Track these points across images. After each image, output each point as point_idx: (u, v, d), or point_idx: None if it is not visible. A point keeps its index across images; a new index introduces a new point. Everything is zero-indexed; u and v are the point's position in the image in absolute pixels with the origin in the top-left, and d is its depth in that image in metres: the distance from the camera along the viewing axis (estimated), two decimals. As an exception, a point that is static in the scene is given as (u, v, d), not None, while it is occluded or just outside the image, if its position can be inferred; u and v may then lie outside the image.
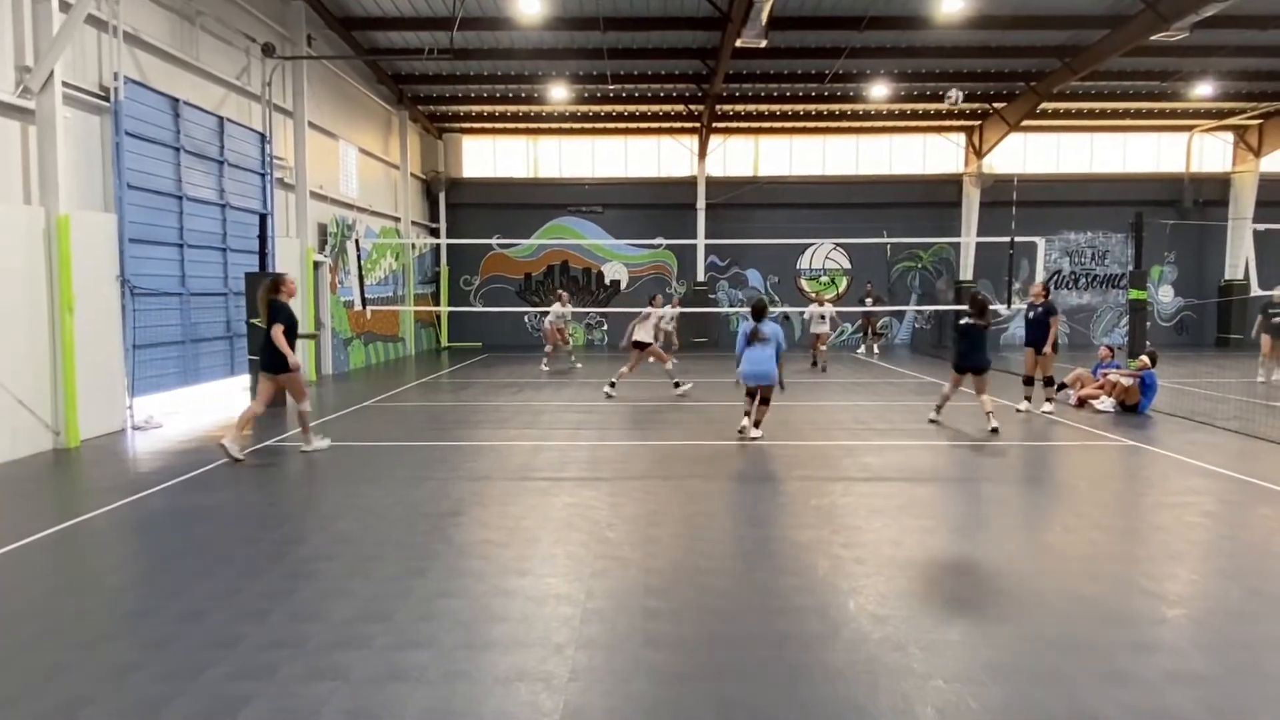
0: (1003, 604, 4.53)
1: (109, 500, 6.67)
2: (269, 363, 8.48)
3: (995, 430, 9.59)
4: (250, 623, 4.22)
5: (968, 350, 10.16)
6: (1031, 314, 11.46)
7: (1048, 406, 11.15)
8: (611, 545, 5.52)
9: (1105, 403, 11.32)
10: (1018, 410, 11.29)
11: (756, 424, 9.45)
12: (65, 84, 9.07)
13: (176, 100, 11.28)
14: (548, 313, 18.01)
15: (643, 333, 13.21)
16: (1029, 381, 11.47)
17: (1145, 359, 11.37)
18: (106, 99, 9.98)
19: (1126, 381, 11.22)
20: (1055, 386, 11.37)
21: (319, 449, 8.75)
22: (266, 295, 8.53)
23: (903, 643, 3.99)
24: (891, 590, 4.70)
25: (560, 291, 18.77)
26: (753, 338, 9.28)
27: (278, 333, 8.32)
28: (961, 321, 10.29)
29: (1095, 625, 4.21)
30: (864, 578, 4.90)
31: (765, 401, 9.53)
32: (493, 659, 3.82)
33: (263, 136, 13.72)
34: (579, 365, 18.17)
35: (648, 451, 8.76)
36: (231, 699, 3.45)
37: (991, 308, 10.45)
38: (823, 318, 18.00)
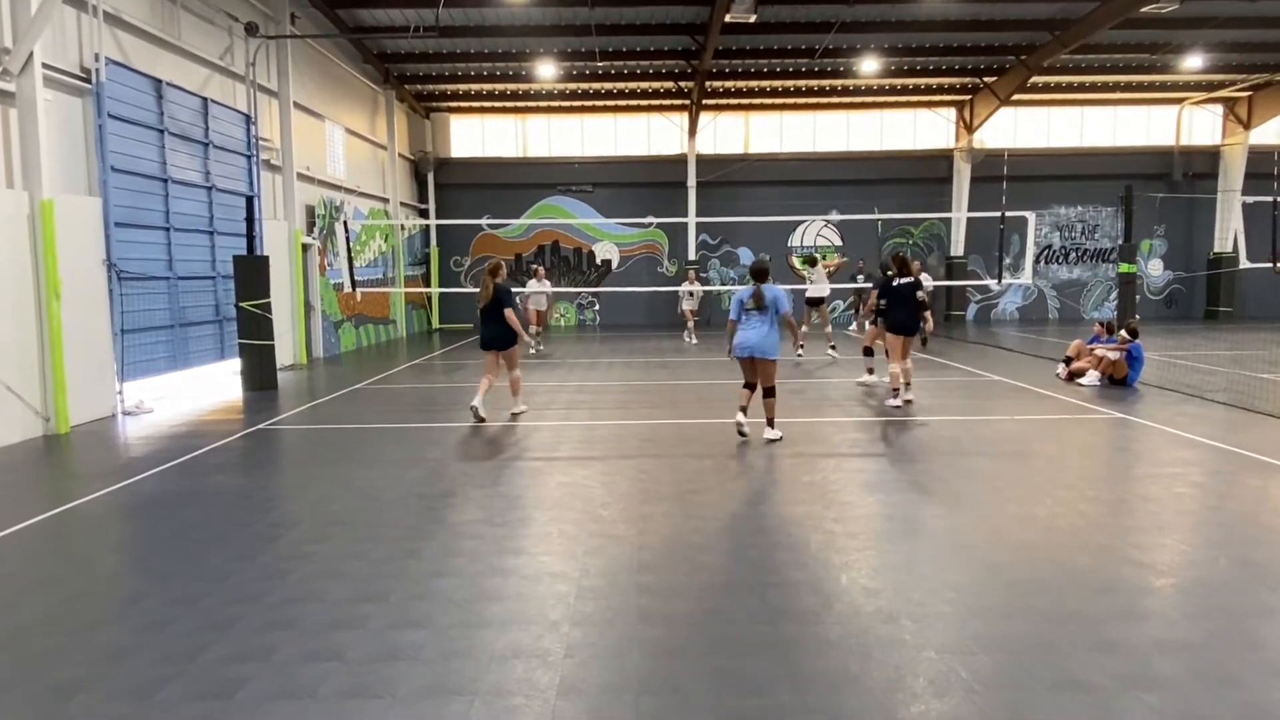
0: (993, 576, 4.57)
1: (101, 485, 6.65)
2: (499, 340, 9.23)
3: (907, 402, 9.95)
4: (245, 605, 4.23)
5: (911, 312, 9.94)
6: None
7: (867, 378, 11.68)
8: (605, 523, 5.54)
9: (1090, 377, 11.40)
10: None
11: (770, 422, 8.07)
12: (45, 65, 8.94)
13: (159, 81, 11.13)
14: (526, 293, 16.93)
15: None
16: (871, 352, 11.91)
17: (1124, 333, 11.44)
18: (88, 81, 9.84)
19: (1112, 356, 11.28)
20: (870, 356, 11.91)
21: (523, 410, 9.61)
22: (492, 280, 9.19)
23: (894, 615, 4.03)
24: (883, 564, 4.74)
25: (537, 267, 17.85)
26: (753, 303, 7.96)
27: (512, 316, 9.07)
28: (897, 283, 9.95)
29: (1084, 595, 4.26)
30: (856, 551, 4.94)
31: (769, 391, 8.03)
32: (489, 637, 3.84)
33: (248, 117, 13.57)
34: (539, 348, 16.87)
35: (640, 430, 8.77)
36: (228, 681, 3.46)
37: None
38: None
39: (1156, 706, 3.18)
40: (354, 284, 15.71)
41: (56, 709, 3.27)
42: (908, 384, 10.00)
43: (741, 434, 8.02)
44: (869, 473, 6.89)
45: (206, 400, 11.07)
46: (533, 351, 16.27)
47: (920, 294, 9.93)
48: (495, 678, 3.47)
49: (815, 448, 7.85)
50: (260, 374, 11.93)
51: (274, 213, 14.88)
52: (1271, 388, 10.83)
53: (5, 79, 8.54)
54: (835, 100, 23.51)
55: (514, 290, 10.38)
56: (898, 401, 9.84)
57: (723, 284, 24.24)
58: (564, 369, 14.20)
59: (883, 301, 10.19)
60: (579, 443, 8.18)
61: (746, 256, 24.54)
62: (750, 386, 8.13)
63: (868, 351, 11.99)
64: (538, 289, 17.05)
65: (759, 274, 8.19)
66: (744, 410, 8.05)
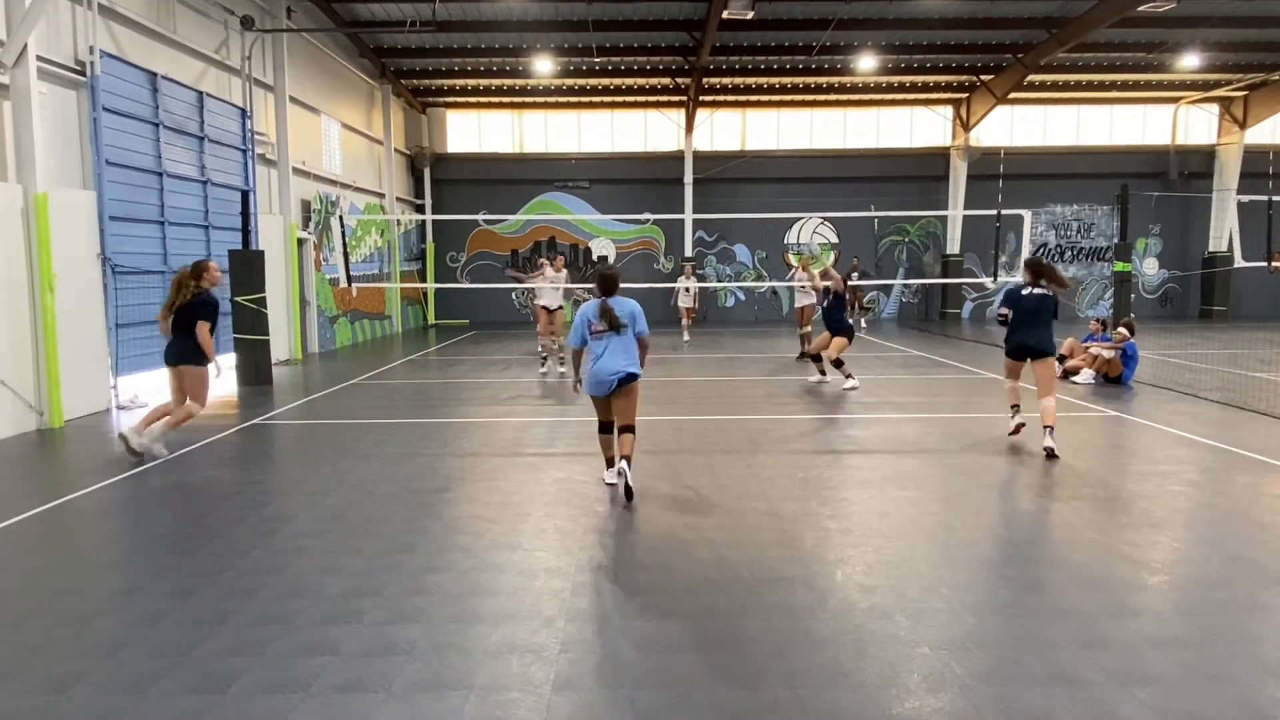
0: (987, 572, 4.58)
1: (95, 480, 6.63)
2: (179, 352, 7.32)
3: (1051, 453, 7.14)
4: (240, 599, 4.22)
5: (1043, 328, 7.44)
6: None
7: (848, 383, 11.32)
8: (601, 519, 5.55)
9: (1085, 375, 11.42)
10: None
11: (624, 458, 6.00)
12: (40, 58, 8.90)
13: (154, 75, 11.08)
14: (533, 289, 13.77)
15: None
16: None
17: (1123, 330, 11.47)
18: (83, 73, 9.80)
19: (1107, 354, 11.31)
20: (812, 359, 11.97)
21: (152, 449, 7.19)
22: (195, 282, 7.35)
23: (889, 611, 4.04)
24: (878, 560, 4.75)
25: (555, 258, 15.04)
26: (604, 323, 6.01)
27: (204, 333, 7.20)
28: (1025, 291, 7.48)
29: (1078, 592, 4.27)
30: (851, 548, 4.95)
31: (628, 427, 6.10)
32: (483, 632, 3.84)
33: (243, 111, 13.53)
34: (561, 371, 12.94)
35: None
36: (222, 674, 3.46)
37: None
38: (804, 287, 14.25)
39: (1148, 702, 3.20)
40: (350, 279, 15.70)
41: (52, 702, 3.26)
42: (1051, 427, 7.21)
43: (611, 484, 6.28)
44: (864, 470, 6.90)
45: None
46: (543, 371, 13.04)
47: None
48: (490, 672, 3.47)
49: (810, 445, 7.87)
50: (255, 369, 11.90)
51: (269, 207, 14.84)
52: (1265, 386, 10.87)
53: (-1, 71, 8.51)
54: (832, 97, 23.51)
55: (520, 287, 9.24)
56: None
57: (719, 280, 24.24)
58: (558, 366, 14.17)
59: (1003, 313, 7.62)
60: (574, 438, 8.17)
61: (743, 253, 24.53)
62: (609, 428, 6.33)
63: (816, 358, 11.80)
64: (552, 284, 13.12)
65: (608, 282, 6.21)
66: (611, 461, 6.33)
